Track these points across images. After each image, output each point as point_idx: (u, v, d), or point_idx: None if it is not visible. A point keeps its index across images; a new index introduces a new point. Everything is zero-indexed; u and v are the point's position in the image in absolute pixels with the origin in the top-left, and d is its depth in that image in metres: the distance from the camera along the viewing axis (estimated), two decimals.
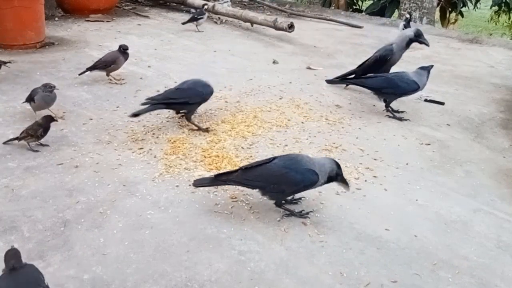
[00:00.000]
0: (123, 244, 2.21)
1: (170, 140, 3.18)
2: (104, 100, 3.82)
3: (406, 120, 3.76)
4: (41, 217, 2.36)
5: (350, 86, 4.26)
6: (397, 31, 6.53)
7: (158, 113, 3.59)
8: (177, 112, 3.53)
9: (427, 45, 4.24)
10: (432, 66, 3.80)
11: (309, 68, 4.97)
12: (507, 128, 3.79)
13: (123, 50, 4.13)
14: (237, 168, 2.45)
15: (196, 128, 3.36)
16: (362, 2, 11.59)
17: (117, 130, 3.31)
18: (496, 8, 11.65)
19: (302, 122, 3.61)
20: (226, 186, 2.68)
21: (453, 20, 10.98)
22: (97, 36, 5.68)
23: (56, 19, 6.42)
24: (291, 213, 2.46)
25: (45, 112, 3.31)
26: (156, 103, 3.31)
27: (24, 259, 1.77)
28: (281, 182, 2.37)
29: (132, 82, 4.21)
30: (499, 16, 12.34)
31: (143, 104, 3.32)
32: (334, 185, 2.77)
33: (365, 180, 2.86)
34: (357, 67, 4.32)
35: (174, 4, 7.70)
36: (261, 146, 3.20)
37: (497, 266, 2.22)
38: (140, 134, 3.26)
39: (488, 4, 11.90)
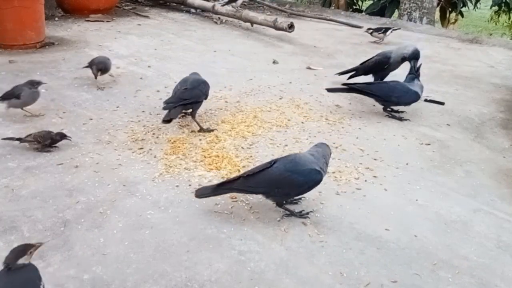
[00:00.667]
0: (123, 244, 2.21)
1: (170, 140, 3.18)
2: (104, 100, 3.82)
3: (406, 120, 3.76)
4: (41, 217, 2.36)
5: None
6: (397, 30, 6.56)
7: (158, 113, 3.59)
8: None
9: (415, 73, 3.85)
10: (420, 64, 3.81)
11: (309, 68, 4.98)
12: (507, 128, 3.79)
13: (33, 85, 3.40)
14: (238, 175, 2.39)
15: (199, 128, 3.35)
16: (362, 2, 11.59)
17: (117, 130, 3.31)
18: (496, 8, 11.65)
19: (302, 122, 3.61)
20: None
21: (453, 20, 10.98)
22: (97, 36, 5.68)
23: (56, 19, 6.42)
24: (291, 213, 2.46)
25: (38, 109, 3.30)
26: (176, 106, 3.26)
27: None
28: (285, 186, 2.36)
29: (132, 82, 4.21)
30: (499, 16, 12.34)
31: (165, 108, 3.26)
32: (334, 185, 2.78)
33: (365, 180, 2.86)
34: (360, 64, 4.32)
35: (174, 4, 7.70)
36: (261, 146, 3.20)
37: (497, 266, 2.22)
38: (140, 134, 3.26)
39: (488, 4, 11.90)
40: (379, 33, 6.18)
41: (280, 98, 4.05)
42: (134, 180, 2.73)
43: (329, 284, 2.05)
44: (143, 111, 3.63)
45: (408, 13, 8.40)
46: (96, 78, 3.95)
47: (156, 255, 2.16)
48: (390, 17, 9.19)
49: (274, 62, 5.10)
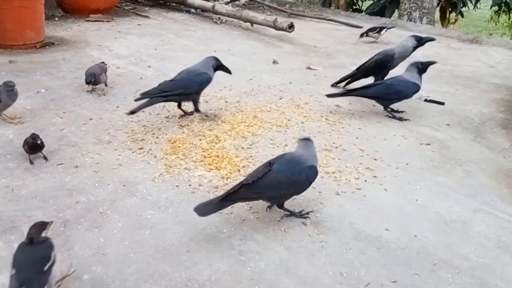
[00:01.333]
0: (123, 244, 2.21)
1: (170, 140, 3.18)
2: (104, 100, 3.82)
3: (406, 120, 3.76)
4: (41, 217, 2.35)
5: (350, 85, 4.26)
6: (397, 30, 6.56)
7: (158, 113, 3.60)
8: (179, 106, 3.54)
9: (433, 39, 4.34)
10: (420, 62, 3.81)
11: (309, 68, 4.98)
12: (507, 128, 3.79)
13: (8, 88, 3.25)
14: (239, 184, 2.32)
15: (205, 116, 3.48)
16: (362, 2, 11.60)
17: (117, 130, 3.31)
18: (496, 8, 11.66)
19: (302, 122, 3.61)
20: (226, 186, 2.68)
21: (453, 20, 10.99)
22: (97, 36, 5.68)
23: (56, 19, 6.42)
24: (291, 213, 2.46)
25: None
26: (153, 97, 3.32)
27: None
28: (290, 187, 2.35)
29: (132, 82, 4.21)
30: (499, 16, 12.35)
31: (138, 99, 3.32)
32: (334, 185, 2.78)
33: (365, 180, 2.86)
34: (356, 69, 4.30)
35: (174, 4, 7.71)
36: (261, 146, 3.20)
37: (497, 266, 2.22)
38: (140, 134, 3.26)
39: (488, 4, 11.91)
40: (373, 33, 6.20)
41: (280, 98, 4.05)
42: (134, 180, 2.73)
43: (329, 284, 2.05)
44: (143, 111, 3.62)
45: (408, 13, 8.41)
46: (90, 89, 3.96)
47: (156, 255, 2.16)
48: (390, 17, 9.20)
49: (274, 62, 5.10)
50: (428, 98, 4.22)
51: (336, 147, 3.23)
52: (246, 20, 6.55)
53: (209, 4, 7.08)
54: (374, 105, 3.97)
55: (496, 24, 13.15)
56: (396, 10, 9.25)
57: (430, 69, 3.86)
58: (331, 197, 2.66)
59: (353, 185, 2.79)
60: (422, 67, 3.77)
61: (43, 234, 1.89)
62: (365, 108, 3.96)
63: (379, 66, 4.15)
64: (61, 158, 2.91)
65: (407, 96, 3.73)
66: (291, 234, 2.34)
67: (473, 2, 10.43)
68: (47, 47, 5.12)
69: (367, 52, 5.45)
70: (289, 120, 3.63)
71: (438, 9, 9.61)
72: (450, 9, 10.12)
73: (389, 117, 3.79)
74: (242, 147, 3.15)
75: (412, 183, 2.87)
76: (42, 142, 2.83)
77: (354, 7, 11.08)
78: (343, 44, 6.13)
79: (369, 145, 3.31)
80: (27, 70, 4.35)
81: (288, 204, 2.48)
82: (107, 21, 6.44)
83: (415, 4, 8.33)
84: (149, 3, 7.94)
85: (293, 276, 2.09)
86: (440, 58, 5.56)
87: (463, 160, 3.20)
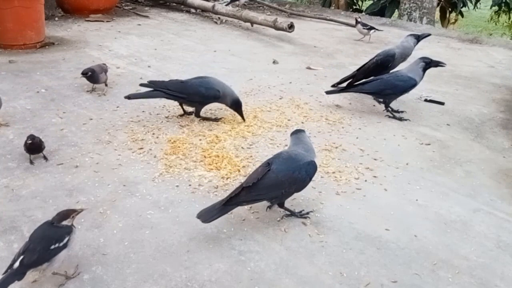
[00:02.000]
0: (123, 244, 2.21)
1: (170, 140, 3.18)
2: (104, 100, 3.82)
3: (406, 120, 3.76)
4: (41, 217, 2.35)
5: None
6: (397, 30, 6.56)
7: (158, 113, 3.60)
8: (181, 105, 3.56)
9: (429, 34, 4.42)
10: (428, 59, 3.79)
11: (309, 68, 4.98)
12: (507, 128, 3.79)
13: None
14: (239, 187, 2.31)
15: (204, 118, 3.51)
16: (362, 2, 11.60)
17: (117, 130, 3.32)
18: (496, 8, 11.67)
19: (302, 122, 3.61)
20: (226, 186, 2.69)
21: (453, 20, 11.00)
22: (97, 36, 5.68)
23: (56, 19, 6.43)
24: (291, 213, 2.46)
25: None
26: (156, 89, 3.37)
27: None
28: (291, 185, 2.34)
29: (132, 82, 4.21)
30: (499, 16, 12.36)
31: (143, 85, 3.41)
32: (334, 185, 2.78)
33: (365, 180, 2.86)
34: (356, 70, 4.28)
35: (174, 4, 7.71)
36: (261, 146, 3.20)
37: (497, 266, 2.22)
38: (140, 134, 3.26)
39: (488, 4, 11.91)
40: (364, 28, 6.21)
41: (280, 98, 4.05)
42: (134, 180, 2.73)
43: (329, 284, 2.05)
44: (143, 111, 3.63)
45: (408, 13, 8.41)
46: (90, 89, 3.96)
47: (156, 255, 2.16)
48: (390, 17, 9.20)
49: (274, 62, 5.10)
50: (428, 98, 4.22)
51: (336, 147, 3.23)
52: (246, 20, 6.55)
53: (209, 4, 7.08)
54: (374, 105, 3.97)
55: (496, 24, 13.15)
56: (396, 10, 9.25)
57: (431, 69, 3.85)
58: (331, 197, 2.66)
59: (353, 185, 2.79)
60: (430, 64, 3.74)
61: (65, 223, 1.99)
62: (365, 108, 3.96)
63: (379, 66, 4.14)
64: (61, 158, 2.91)
65: (403, 90, 3.72)
66: (291, 234, 2.34)
67: (473, 2, 10.43)
68: (47, 47, 5.12)
69: (367, 52, 5.45)
70: (289, 120, 3.63)
71: (438, 9, 9.62)
72: (450, 9, 10.12)
73: (389, 117, 3.79)
74: (242, 147, 3.15)
75: (412, 183, 2.87)
76: (40, 143, 2.83)
77: (354, 7, 11.08)
78: (343, 44, 6.14)
79: (369, 145, 3.31)
80: (27, 70, 4.36)
81: (288, 204, 2.48)
82: (107, 21, 6.45)
83: (415, 4, 8.33)
84: (149, 3, 7.94)
85: (293, 276, 2.09)
86: (440, 58, 5.54)
87: (463, 160, 3.20)
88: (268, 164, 2.36)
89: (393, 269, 2.16)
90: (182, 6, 7.56)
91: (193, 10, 7.47)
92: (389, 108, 3.82)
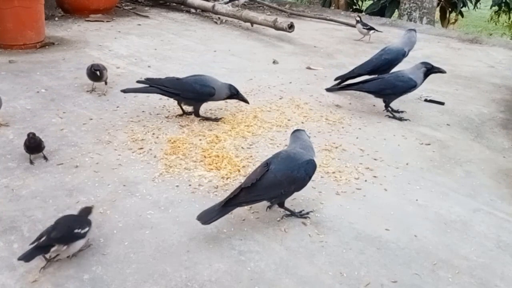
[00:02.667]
0: (123, 244, 2.21)
1: (170, 140, 3.18)
2: (104, 100, 3.82)
3: (406, 120, 3.76)
4: (41, 217, 2.36)
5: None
6: (397, 30, 6.56)
7: (158, 113, 3.60)
8: (179, 105, 3.56)
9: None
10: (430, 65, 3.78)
11: (309, 68, 4.98)
12: (507, 128, 3.79)
13: None
14: (238, 188, 2.30)
15: (204, 118, 3.51)
16: (362, 2, 11.60)
17: (117, 130, 3.31)
18: (496, 8, 11.67)
19: (302, 122, 3.61)
20: (226, 186, 2.69)
21: (453, 20, 11.00)
22: (97, 36, 5.68)
23: (56, 19, 6.43)
24: (291, 213, 2.46)
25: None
26: (153, 86, 3.42)
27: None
28: (290, 185, 2.34)
29: (132, 82, 4.19)
30: (499, 16, 12.36)
31: (140, 82, 3.46)
32: (334, 185, 2.78)
33: (365, 180, 2.86)
34: (358, 67, 4.28)
35: (174, 4, 7.71)
36: (261, 146, 3.20)
37: (497, 266, 2.22)
38: (140, 134, 3.26)
39: (488, 4, 11.91)
40: (364, 28, 6.21)
41: (280, 98, 4.05)
42: (134, 180, 2.73)
43: (329, 284, 2.05)
44: (143, 111, 3.63)
45: (408, 13, 8.41)
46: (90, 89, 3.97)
47: (156, 255, 2.16)
48: (390, 17, 9.20)
49: (274, 62, 5.10)
50: (428, 98, 4.22)
51: (336, 147, 3.23)
52: (246, 20, 6.55)
53: (209, 4, 7.08)
54: (374, 105, 3.97)
55: (496, 24, 13.16)
56: (396, 10, 9.25)
57: None
58: (331, 197, 2.66)
59: (353, 185, 2.79)
60: (431, 70, 3.71)
61: (89, 216, 2.19)
62: (365, 108, 3.96)
63: (388, 64, 4.14)
64: (61, 158, 2.91)
65: (403, 91, 3.72)
66: (291, 234, 2.34)
67: (473, 2, 10.43)
68: (47, 47, 5.12)
69: (367, 52, 5.45)
70: (289, 120, 3.63)
71: (438, 9, 9.62)
72: (450, 9, 10.13)
73: (389, 117, 3.79)
74: (242, 147, 3.15)
75: (412, 183, 2.87)
76: (40, 141, 2.83)
77: (354, 7, 11.08)
78: (343, 44, 6.14)
79: (369, 145, 3.31)
80: (27, 70, 4.35)
81: (288, 204, 2.48)
82: (107, 21, 6.45)
83: (415, 4, 8.33)
84: (149, 3, 7.94)
85: (293, 276, 2.09)
86: (440, 58, 5.58)
87: (463, 160, 3.20)
88: (266, 164, 2.36)
89: (393, 269, 2.16)
90: (182, 6, 7.56)
91: (193, 10, 7.47)
92: (389, 108, 3.82)
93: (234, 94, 3.53)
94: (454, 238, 2.40)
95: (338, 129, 3.54)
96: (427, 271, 2.16)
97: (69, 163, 2.86)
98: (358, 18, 6.41)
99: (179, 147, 3.10)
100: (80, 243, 2.07)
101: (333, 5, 10.42)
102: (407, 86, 3.69)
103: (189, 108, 3.58)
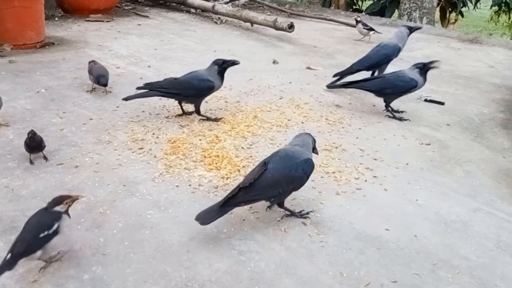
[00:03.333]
0: (123, 244, 2.21)
1: (170, 140, 3.18)
2: (104, 100, 3.82)
3: (406, 120, 3.76)
4: None
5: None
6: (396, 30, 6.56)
7: (158, 113, 3.60)
8: (180, 105, 3.56)
9: (421, 27, 4.77)
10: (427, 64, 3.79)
11: (309, 68, 4.98)
12: (507, 128, 3.79)
13: None
14: (237, 187, 2.29)
15: (205, 118, 3.51)
16: (362, 2, 11.60)
17: (117, 130, 3.31)
18: (496, 8, 11.67)
19: (302, 122, 3.61)
20: (226, 186, 2.69)
21: (453, 20, 11.00)
22: (97, 36, 5.68)
23: (56, 19, 6.43)
24: (291, 213, 2.46)
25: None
26: (152, 89, 3.44)
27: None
28: (288, 184, 2.34)
29: (132, 82, 4.20)
30: (499, 16, 12.36)
31: (139, 88, 3.45)
32: (334, 185, 2.78)
33: (365, 180, 2.86)
34: (355, 64, 4.30)
35: (174, 4, 7.71)
36: (261, 146, 3.20)
37: (497, 266, 2.22)
38: (140, 134, 3.26)
39: (488, 4, 11.92)
40: (364, 28, 6.22)
41: (280, 98, 4.05)
42: (134, 180, 2.73)
43: (329, 284, 2.05)
44: (143, 111, 3.63)
45: (408, 13, 8.41)
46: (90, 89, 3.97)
47: (156, 255, 2.16)
48: (390, 17, 9.20)
49: (274, 62, 5.10)
50: (428, 98, 4.22)
51: (336, 147, 3.23)
52: (246, 20, 6.55)
53: (209, 4, 7.08)
54: (374, 105, 3.97)
55: (496, 24, 13.16)
56: (396, 10, 9.25)
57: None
58: (331, 197, 2.66)
59: (353, 185, 2.79)
60: (423, 68, 3.74)
61: (57, 208, 2.00)
62: (365, 108, 3.96)
63: (386, 59, 4.21)
64: (61, 158, 2.91)
65: (404, 91, 3.72)
66: (291, 234, 2.34)
67: (473, 2, 10.43)
68: (47, 47, 5.12)
69: (366, 52, 5.44)
70: (289, 120, 3.63)
71: (438, 9, 9.62)
72: (450, 9, 10.13)
73: (389, 117, 3.79)
74: (242, 147, 3.15)
75: (412, 183, 2.87)
76: (41, 140, 2.83)
77: (354, 7, 11.08)
78: (343, 44, 6.14)
79: (369, 145, 3.31)
80: (27, 70, 4.35)
81: (288, 204, 2.48)
82: (107, 21, 6.45)
83: (415, 4, 8.33)
84: (149, 3, 7.94)
85: (293, 276, 2.09)
86: (440, 58, 5.56)
87: (463, 160, 3.20)
88: (264, 163, 2.36)
89: (393, 269, 2.16)
90: (182, 6, 7.56)
91: (193, 10, 7.47)
92: (389, 108, 3.82)
93: (223, 66, 3.50)
94: (454, 238, 2.40)
95: (338, 129, 3.54)
96: (427, 271, 2.16)
97: (69, 163, 2.86)
98: (358, 19, 6.41)
99: (179, 147, 3.10)
100: (55, 243, 1.95)
101: (333, 5, 10.42)
102: (407, 86, 3.69)
103: (189, 108, 3.58)
